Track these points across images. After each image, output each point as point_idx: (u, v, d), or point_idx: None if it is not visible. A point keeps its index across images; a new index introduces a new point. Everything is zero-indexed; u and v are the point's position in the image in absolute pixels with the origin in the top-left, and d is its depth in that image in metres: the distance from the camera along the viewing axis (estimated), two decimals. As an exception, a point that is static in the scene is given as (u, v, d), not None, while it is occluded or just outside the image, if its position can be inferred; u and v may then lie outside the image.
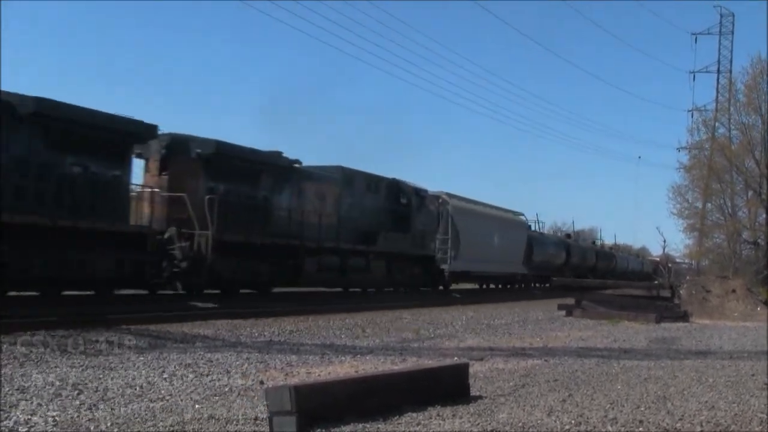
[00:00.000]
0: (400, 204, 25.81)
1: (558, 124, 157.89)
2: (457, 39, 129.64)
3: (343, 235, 22.24)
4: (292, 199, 20.46)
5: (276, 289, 21.31)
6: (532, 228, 43.36)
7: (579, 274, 47.68)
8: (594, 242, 63.86)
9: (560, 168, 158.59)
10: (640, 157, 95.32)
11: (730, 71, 51.59)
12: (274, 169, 19.80)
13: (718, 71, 53.59)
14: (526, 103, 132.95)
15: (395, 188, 25.90)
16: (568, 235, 53.96)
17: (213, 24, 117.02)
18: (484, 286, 37.50)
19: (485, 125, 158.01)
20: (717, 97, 51.41)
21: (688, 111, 54.98)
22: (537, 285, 43.43)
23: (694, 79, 56.25)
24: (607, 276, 50.30)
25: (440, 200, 29.46)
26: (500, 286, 38.53)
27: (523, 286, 40.00)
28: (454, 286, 32.02)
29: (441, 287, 29.62)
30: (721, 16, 54.58)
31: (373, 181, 24.71)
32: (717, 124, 45.39)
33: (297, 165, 20.72)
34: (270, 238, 19.10)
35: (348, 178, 23.17)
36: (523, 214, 40.18)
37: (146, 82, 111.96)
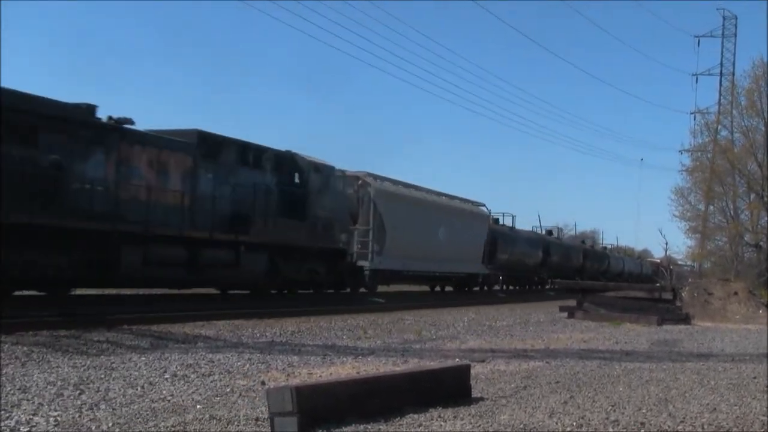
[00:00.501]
0: (293, 183, 20.20)
1: (559, 125, 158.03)
2: (458, 39, 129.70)
3: (197, 220, 16.94)
4: (107, 168, 14.97)
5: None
6: (502, 222, 38.61)
7: (561, 275, 43.20)
8: (583, 241, 58.35)
9: (561, 170, 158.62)
10: (642, 160, 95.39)
11: (733, 74, 51.79)
12: (73, 126, 14.42)
13: (721, 74, 53.82)
14: (527, 105, 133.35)
15: (287, 163, 20.20)
16: (549, 232, 48.33)
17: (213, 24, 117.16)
18: (438, 289, 33.06)
19: (486, 126, 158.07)
20: (719, 99, 51.59)
21: (691, 113, 55.26)
22: (509, 287, 39.40)
23: (696, 82, 56.61)
24: (598, 278, 46.54)
25: (359, 182, 24.14)
26: (467, 288, 33.40)
27: (486, 288, 34.85)
28: (393, 288, 27.44)
29: (364, 289, 24.31)
30: (724, 18, 54.84)
31: (252, 153, 19.08)
32: (719, 126, 45.55)
33: (126, 126, 15.40)
34: (61, 219, 13.86)
35: (209, 146, 17.58)
36: (484, 205, 34.25)
37: (148, 82, 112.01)
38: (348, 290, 23.74)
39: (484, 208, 34.06)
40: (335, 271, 22.17)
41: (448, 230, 28.64)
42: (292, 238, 19.88)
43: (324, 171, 21.70)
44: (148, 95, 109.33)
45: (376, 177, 25.12)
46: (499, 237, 35.15)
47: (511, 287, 39.86)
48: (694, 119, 53.58)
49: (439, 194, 30.40)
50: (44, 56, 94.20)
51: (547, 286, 43.71)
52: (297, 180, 20.40)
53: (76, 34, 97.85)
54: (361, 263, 23.44)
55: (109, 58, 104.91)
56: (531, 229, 45.71)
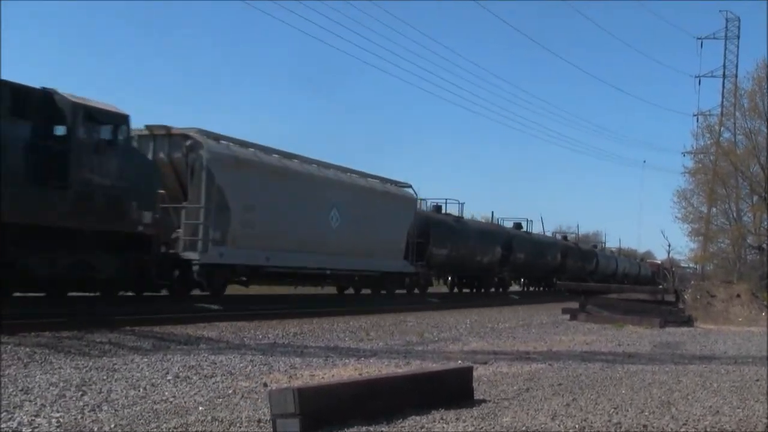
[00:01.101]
0: (48, 135, 13.80)
1: (562, 127, 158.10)
2: (458, 39, 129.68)
3: None
4: None
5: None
6: (446, 211, 31.70)
7: (530, 275, 40.79)
8: (565, 237, 51.51)
9: (564, 171, 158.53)
10: (645, 162, 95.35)
11: (736, 76, 51.74)
12: None
13: (724, 75, 53.71)
14: (531, 107, 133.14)
15: (37, 105, 13.65)
16: (519, 225, 40.77)
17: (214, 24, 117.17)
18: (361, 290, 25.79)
19: (486, 127, 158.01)
20: (722, 101, 51.52)
21: (693, 115, 55.11)
22: (462, 290, 34.05)
23: (699, 84, 56.35)
24: (585, 280, 40.82)
25: (187, 143, 17.29)
26: (384, 291, 25.26)
27: (416, 291, 28.09)
28: (270, 290, 21.84)
29: (203, 291, 18.02)
30: (727, 20, 54.78)
31: None
32: (722, 128, 45.54)
33: None
34: None
35: None
36: (410, 186, 26.60)
37: (148, 80, 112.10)
38: (167, 292, 17.46)
39: (409, 190, 26.54)
40: (135, 265, 15.45)
41: (347, 214, 22.00)
42: (37, 215, 13.36)
43: (108, 120, 14.80)
44: (148, 94, 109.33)
45: (215, 137, 18.24)
46: (433, 227, 28.28)
47: (465, 290, 34.02)
48: (697, 121, 53.51)
49: (342, 169, 23.38)
50: (53, 54, 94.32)
51: (512, 288, 39.35)
52: (57, 131, 14.05)
53: (80, 32, 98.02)
54: (188, 256, 16.87)
55: (112, 57, 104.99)
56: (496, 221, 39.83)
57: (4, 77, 13.26)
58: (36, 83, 13.89)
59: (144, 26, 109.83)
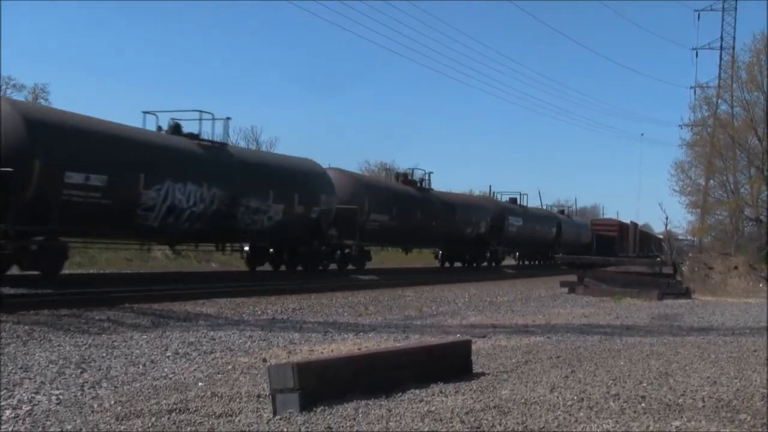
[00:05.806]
0: None
1: (559, 100, 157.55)
2: (460, 15, 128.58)
3: None
4: None
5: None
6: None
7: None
8: (420, 183, 30.59)
9: (562, 145, 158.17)
10: (642, 135, 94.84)
11: (733, 48, 51.47)
12: None
13: (721, 48, 53.44)
14: (527, 80, 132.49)
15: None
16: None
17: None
18: None
19: (481, 100, 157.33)
20: (719, 73, 51.29)
21: (691, 88, 54.89)
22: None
23: (696, 56, 56.10)
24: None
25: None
26: None
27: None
28: None
29: None
30: (724, -8, 54.25)
31: None
32: (719, 101, 45.37)
33: None
34: None
35: None
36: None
37: (176, 77, 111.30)
38: None
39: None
40: None
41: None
42: None
43: None
44: (150, 93, 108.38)
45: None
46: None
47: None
48: (694, 93, 53.34)
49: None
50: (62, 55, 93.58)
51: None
52: None
53: (88, 28, 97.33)
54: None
55: (117, 57, 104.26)
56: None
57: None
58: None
59: (146, 25, 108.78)
